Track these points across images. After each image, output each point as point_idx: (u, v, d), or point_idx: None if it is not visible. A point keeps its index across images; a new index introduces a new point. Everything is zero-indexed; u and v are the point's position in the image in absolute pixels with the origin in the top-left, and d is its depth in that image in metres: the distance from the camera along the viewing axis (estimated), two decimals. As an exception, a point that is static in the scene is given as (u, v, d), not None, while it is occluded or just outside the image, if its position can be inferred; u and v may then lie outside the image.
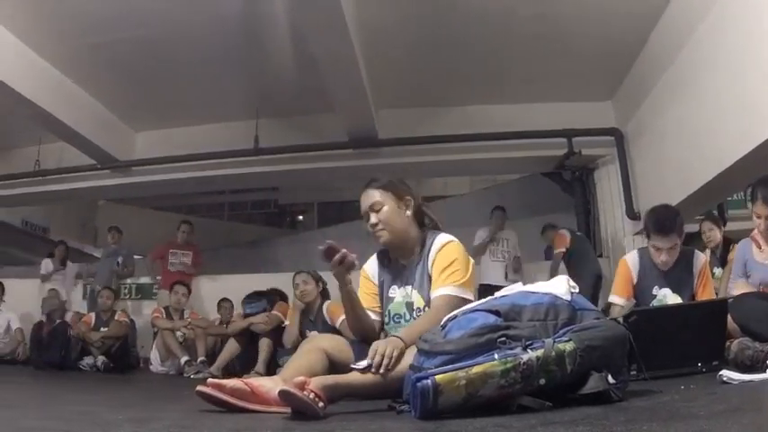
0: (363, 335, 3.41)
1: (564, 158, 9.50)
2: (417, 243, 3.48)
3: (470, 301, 3.08)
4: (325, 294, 7.48)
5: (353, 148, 9.70)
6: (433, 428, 2.15)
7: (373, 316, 3.53)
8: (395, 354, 2.85)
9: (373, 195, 3.47)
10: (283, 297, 8.37)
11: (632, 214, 9.27)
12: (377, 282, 3.61)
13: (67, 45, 8.16)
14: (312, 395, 2.55)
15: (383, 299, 3.56)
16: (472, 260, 3.42)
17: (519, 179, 13.40)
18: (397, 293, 3.49)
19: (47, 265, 11.64)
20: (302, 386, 2.58)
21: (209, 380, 2.91)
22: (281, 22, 7.36)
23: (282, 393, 2.53)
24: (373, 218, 3.45)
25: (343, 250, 3.18)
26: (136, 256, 12.15)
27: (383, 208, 3.43)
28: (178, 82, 9.20)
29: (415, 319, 3.35)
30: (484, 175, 15.24)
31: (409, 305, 3.41)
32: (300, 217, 30.99)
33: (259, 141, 9.89)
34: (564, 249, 9.08)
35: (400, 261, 3.54)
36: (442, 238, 3.40)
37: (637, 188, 9.37)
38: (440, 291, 3.24)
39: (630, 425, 1.93)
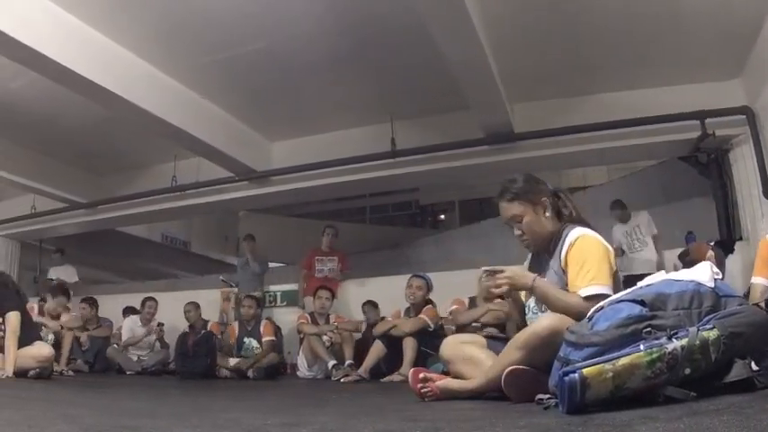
0: None
1: (698, 141, 9.22)
2: (555, 237, 3.58)
3: (608, 294, 3.15)
4: None
5: (490, 144, 9.64)
6: (581, 423, 2.18)
7: None
8: (506, 281, 3.37)
9: (510, 209, 3.63)
10: (429, 300, 8.51)
11: (769, 194, 8.93)
12: None
13: (194, 63, 8.53)
14: None
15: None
16: (605, 247, 3.47)
17: (656, 165, 13.08)
18: None
19: None
20: None
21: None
22: (408, 23, 7.41)
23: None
24: (516, 230, 3.63)
25: (499, 279, 3.43)
26: (279, 264, 12.47)
27: (524, 219, 3.59)
28: (309, 90, 9.44)
29: (543, 312, 3.46)
30: (620, 163, 14.88)
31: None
32: (442, 216, 31.21)
33: (396, 143, 10.10)
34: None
35: (543, 254, 3.67)
36: (575, 232, 3.46)
37: (772, 167, 9.00)
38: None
39: (774, 412, 1.97)
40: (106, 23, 7.60)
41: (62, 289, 9.71)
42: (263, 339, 9.41)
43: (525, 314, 3.67)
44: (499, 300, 7.41)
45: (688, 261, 8.18)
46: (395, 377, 7.53)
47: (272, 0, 7.19)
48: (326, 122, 10.61)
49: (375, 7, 7.30)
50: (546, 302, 3.38)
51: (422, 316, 8.09)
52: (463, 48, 7.12)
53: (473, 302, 8.06)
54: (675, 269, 8.14)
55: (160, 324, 10.67)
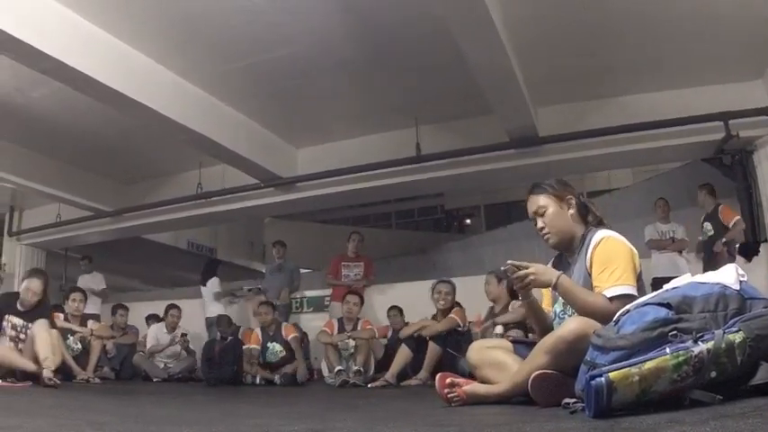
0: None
1: (722, 142, 9.16)
2: (580, 240, 3.62)
3: (633, 295, 3.20)
4: None
5: (515, 148, 9.60)
6: (607, 427, 2.20)
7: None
8: (530, 276, 3.39)
9: (537, 201, 3.75)
10: (457, 303, 8.56)
11: (792, 197, 8.85)
12: None
13: (217, 70, 8.61)
14: None
15: (553, 297, 3.72)
16: (630, 249, 3.47)
17: (680, 167, 13.03)
18: None
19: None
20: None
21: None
22: (431, 28, 7.40)
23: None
24: (539, 222, 3.73)
25: (524, 271, 3.43)
26: (305, 270, 12.51)
27: (547, 211, 3.69)
28: (333, 96, 9.51)
29: (569, 316, 3.47)
30: (644, 165, 14.85)
31: (566, 304, 3.54)
32: (468, 221, 31.19)
33: (421, 148, 10.08)
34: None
35: (567, 259, 3.72)
36: (599, 234, 3.50)
37: (795, 168, 8.94)
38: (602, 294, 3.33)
39: (801, 415, 1.98)
40: (128, 32, 7.68)
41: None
42: (288, 338, 9.40)
43: (544, 320, 3.74)
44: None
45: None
46: (412, 381, 7.66)
47: (294, 7, 7.23)
48: (351, 128, 10.67)
49: (397, 12, 7.32)
50: (569, 300, 3.41)
51: (452, 315, 8.20)
52: (486, 52, 7.12)
53: (492, 312, 8.08)
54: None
55: (184, 335, 10.73)
